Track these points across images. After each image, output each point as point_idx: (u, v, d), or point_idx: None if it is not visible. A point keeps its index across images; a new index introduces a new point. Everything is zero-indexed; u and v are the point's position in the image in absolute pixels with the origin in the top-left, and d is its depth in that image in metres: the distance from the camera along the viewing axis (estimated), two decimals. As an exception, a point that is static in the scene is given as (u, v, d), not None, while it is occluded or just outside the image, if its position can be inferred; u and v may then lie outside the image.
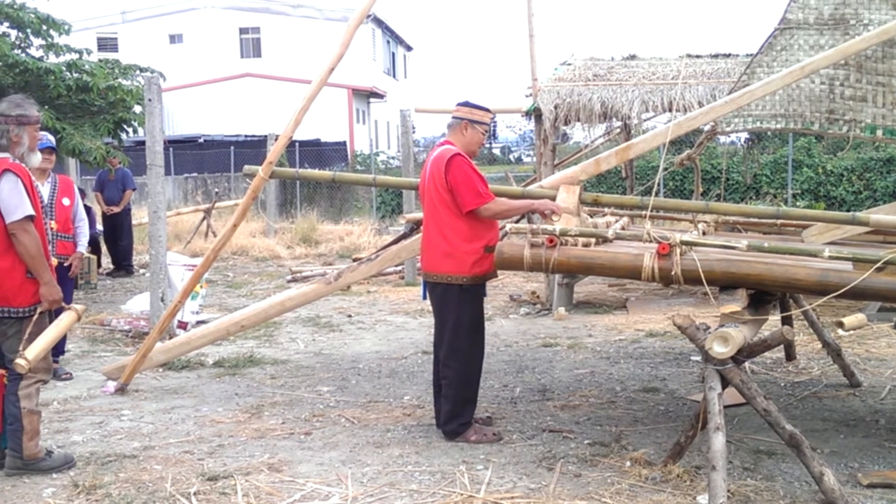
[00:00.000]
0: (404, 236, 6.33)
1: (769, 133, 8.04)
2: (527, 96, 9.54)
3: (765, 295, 4.58)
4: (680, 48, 32.56)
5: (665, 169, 13.47)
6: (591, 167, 5.67)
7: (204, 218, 15.86)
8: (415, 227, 6.25)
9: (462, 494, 4.13)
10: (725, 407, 3.96)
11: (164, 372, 6.70)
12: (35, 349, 4.30)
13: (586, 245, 4.51)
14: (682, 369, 6.66)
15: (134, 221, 13.02)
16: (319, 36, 31.47)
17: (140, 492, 4.23)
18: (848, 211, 12.97)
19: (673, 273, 4.26)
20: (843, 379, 6.05)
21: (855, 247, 5.04)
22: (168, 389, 6.26)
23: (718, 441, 3.75)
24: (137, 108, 10.82)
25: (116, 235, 12.42)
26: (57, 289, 4.51)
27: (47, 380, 4.68)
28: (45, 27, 10.58)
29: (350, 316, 9.23)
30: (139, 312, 8.22)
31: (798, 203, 15.35)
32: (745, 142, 10.61)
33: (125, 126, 11.12)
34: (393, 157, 28.04)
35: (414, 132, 15.54)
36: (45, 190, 6.38)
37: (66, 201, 6.66)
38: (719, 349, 3.89)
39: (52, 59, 10.77)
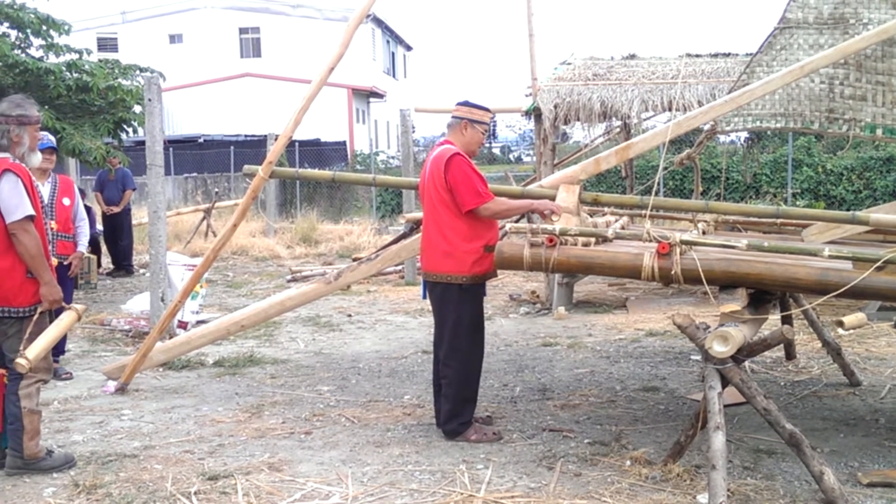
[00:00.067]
0: (404, 236, 6.34)
1: (769, 132, 8.04)
2: (526, 96, 9.55)
3: (765, 294, 4.59)
4: (680, 48, 32.59)
5: (665, 168, 13.47)
6: (590, 166, 5.67)
7: (204, 218, 15.86)
8: (414, 226, 6.26)
9: (462, 494, 4.13)
10: (725, 406, 3.96)
11: (165, 371, 6.70)
12: (35, 349, 4.30)
13: (586, 244, 4.52)
14: (682, 368, 6.66)
15: (134, 221, 13.03)
16: (319, 36, 31.48)
17: (140, 491, 4.24)
18: (848, 210, 12.96)
19: (673, 272, 4.27)
20: (843, 378, 6.05)
21: (855, 246, 5.04)
22: (168, 389, 6.26)
23: (718, 440, 3.76)
24: (137, 108, 10.83)
25: (116, 235, 12.42)
26: (57, 289, 4.51)
27: (48, 379, 4.69)
28: (45, 27, 10.58)
29: (350, 315, 9.24)
30: (139, 312, 8.22)
31: (798, 202, 15.35)
32: (744, 141, 10.59)
33: (125, 126, 11.13)
34: (393, 157, 28.03)
35: (414, 132, 15.54)
36: (45, 190, 6.39)
37: (66, 201, 6.66)
38: (719, 348, 3.89)
39: (52, 59, 10.77)
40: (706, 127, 6.49)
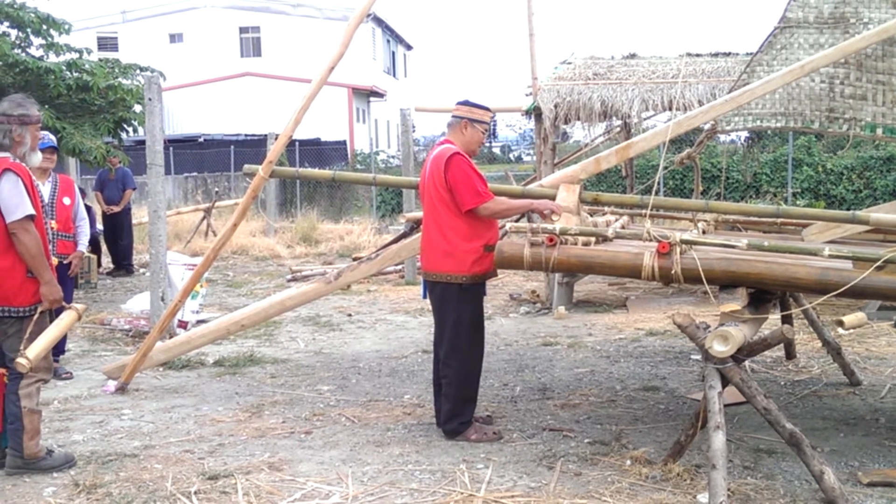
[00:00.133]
0: (404, 235, 6.33)
1: (769, 132, 8.04)
2: (527, 95, 9.54)
3: (765, 294, 4.59)
4: (680, 47, 32.60)
5: (665, 168, 13.46)
6: (590, 166, 5.67)
7: (204, 217, 15.86)
8: (415, 226, 6.25)
9: (462, 493, 4.13)
10: (725, 405, 3.96)
11: (165, 371, 6.70)
12: (36, 348, 4.30)
13: (586, 244, 4.52)
14: (683, 368, 6.66)
15: (134, 221, 13.03)
16: (319, 35, 31.48)
17: (140, 491, 4.24)
18: (848, 209, 12.97)
19: (673, 272, 4.27)
20: (843, 377, 6.05)
21: (855, 245, 5.04)
22: (168, 388, 6.26)
23: (718, 440, 3.76)
24: (137, 108, 10.83)
25: (116, 235, 12.42)
26: (57, 288, 4.51)
27: (48, 379, 4.69)
28: (45, 27, 10.59)
29: (350, 315, 9.24)
30: (139, 312, 8.22)
31: (798, 202, 15.35)
32: (745, 140, 10.61)
33: (125, 125, 11.13)
34: (393, 157, 28.03)
35: (414, 131, 15.53)
36: (45, 189, 6.39)
37: (66, 201, 6.66)
38: (719, 348, 3.89)
39: (53, 58, 10.78)
40: (706, 126, 6.49)
